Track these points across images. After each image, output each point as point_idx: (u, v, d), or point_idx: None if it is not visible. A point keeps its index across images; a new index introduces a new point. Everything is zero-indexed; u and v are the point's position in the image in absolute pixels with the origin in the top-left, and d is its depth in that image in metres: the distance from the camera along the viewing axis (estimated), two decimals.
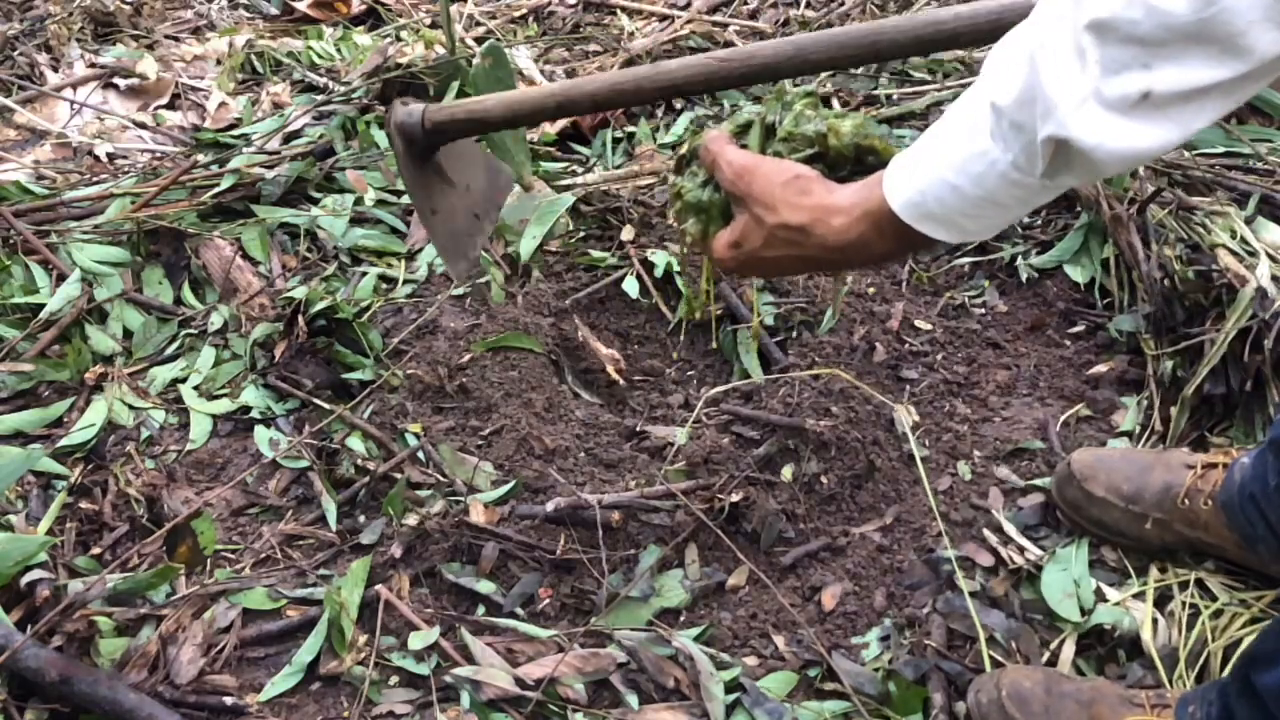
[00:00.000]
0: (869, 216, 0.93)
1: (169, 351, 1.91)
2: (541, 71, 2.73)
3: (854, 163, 1.04)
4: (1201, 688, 1.14)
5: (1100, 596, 1.37)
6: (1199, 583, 1.38)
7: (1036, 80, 0.76)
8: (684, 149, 1.16)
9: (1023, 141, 0.79)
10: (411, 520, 1.51)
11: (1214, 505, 1.33)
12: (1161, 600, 1.37)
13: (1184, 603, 1.35)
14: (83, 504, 1.61)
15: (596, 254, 2.03)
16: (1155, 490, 1.38)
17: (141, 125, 2.70)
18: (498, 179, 1.66)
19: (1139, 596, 1.37)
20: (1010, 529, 1.47)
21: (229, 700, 1.32)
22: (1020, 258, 1.93)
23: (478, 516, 1.53)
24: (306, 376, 1.81)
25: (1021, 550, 1.44)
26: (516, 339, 1.82)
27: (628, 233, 2.05)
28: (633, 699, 1.31)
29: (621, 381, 1.86)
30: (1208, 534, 1.35)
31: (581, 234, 2.09)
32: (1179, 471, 1.39)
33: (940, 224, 0.88)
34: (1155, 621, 1.34)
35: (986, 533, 1.48)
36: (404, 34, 3.05)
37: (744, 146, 1.09)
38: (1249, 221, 1.79)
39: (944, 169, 0.85)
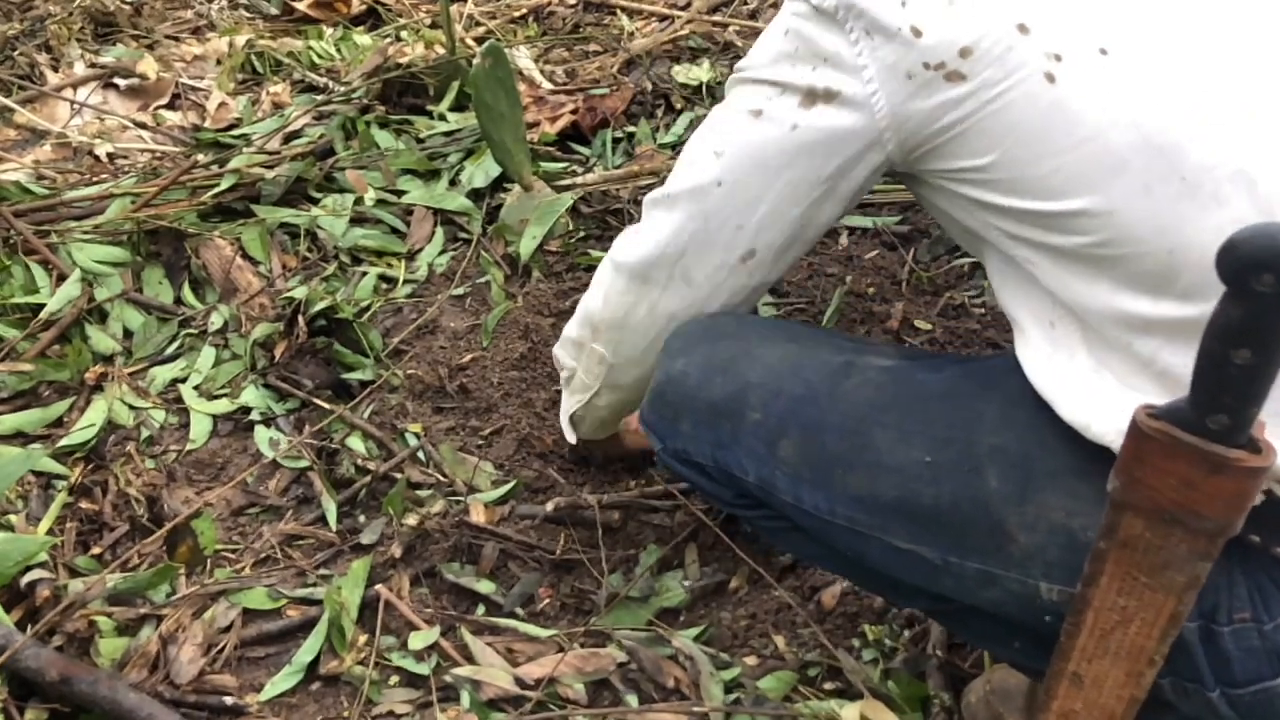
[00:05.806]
0: None
1: (169, 351, 1.91)
2: (541, 71, 2.73)
3: None
4: None
5: None
6: None
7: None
8: None
9: None
10: (411, 520, 1.51)
11: None
12: None
13: None
14: (83, 504, 1.61)
15: (596, 254, 2.03)
16: None
17: (141, 125, 2.70)
18: None
19: None
20: None
21: (229, 700, 1.32)
22: None
23: (478, 516, 1.53)
24: (306, 376, 1.81)
25: None
26: None
27: None
28: (633, 699, 1.31)
29: None
30: None
31: (581, 234, 2.09)
32: None
33: None
34: None
35: None
36: (404, 34, 3.05)
37: None
38: None
39: None
